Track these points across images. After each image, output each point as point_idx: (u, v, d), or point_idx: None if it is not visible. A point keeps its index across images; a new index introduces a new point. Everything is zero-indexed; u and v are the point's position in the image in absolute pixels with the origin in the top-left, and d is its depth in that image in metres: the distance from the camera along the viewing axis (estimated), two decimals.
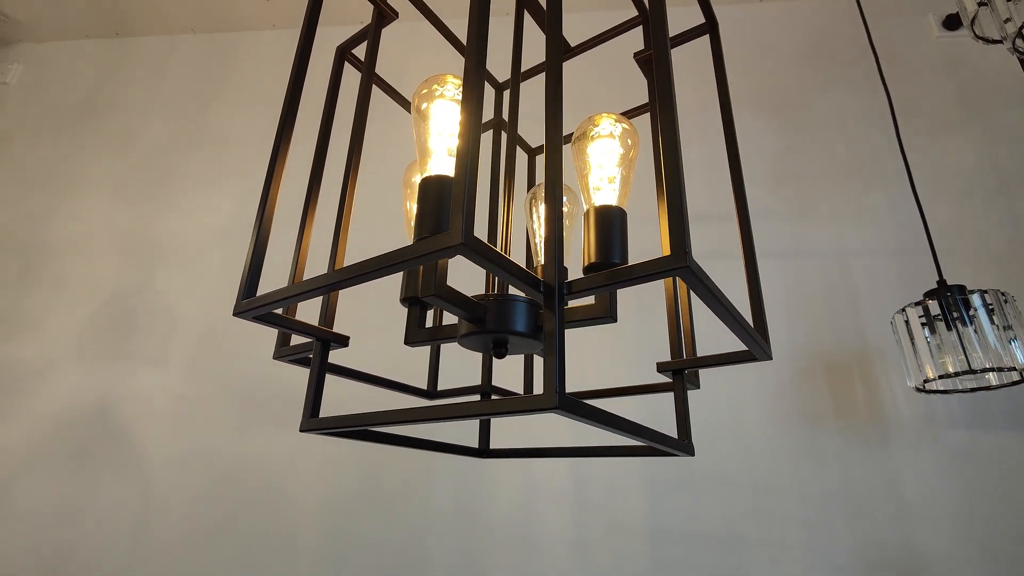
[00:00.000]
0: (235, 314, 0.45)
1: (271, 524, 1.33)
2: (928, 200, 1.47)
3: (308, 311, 0.60)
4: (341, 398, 1.14)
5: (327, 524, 1.31)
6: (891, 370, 1.32)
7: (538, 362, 1.22)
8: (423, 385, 0.74)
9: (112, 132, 1.94)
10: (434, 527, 1.28)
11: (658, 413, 1.29)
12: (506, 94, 0.87)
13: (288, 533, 1.31)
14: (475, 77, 0.36)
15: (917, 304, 1.04)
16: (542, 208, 0.75)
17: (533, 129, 1.08)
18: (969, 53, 1.66)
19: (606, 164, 0.59)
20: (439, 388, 0.78)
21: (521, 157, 0.97)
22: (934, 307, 1.01)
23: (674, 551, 1.21)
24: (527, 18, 0.78)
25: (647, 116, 0.79)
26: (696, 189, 1.49)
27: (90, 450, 1.45)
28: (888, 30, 1.74)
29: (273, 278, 0.62)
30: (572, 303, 0.56)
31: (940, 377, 0.99)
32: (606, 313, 0.51)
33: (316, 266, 0.63)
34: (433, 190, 0.49)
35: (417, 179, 0.62)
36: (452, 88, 0.55)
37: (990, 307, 0.97)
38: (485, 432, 0.72)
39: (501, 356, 0.56)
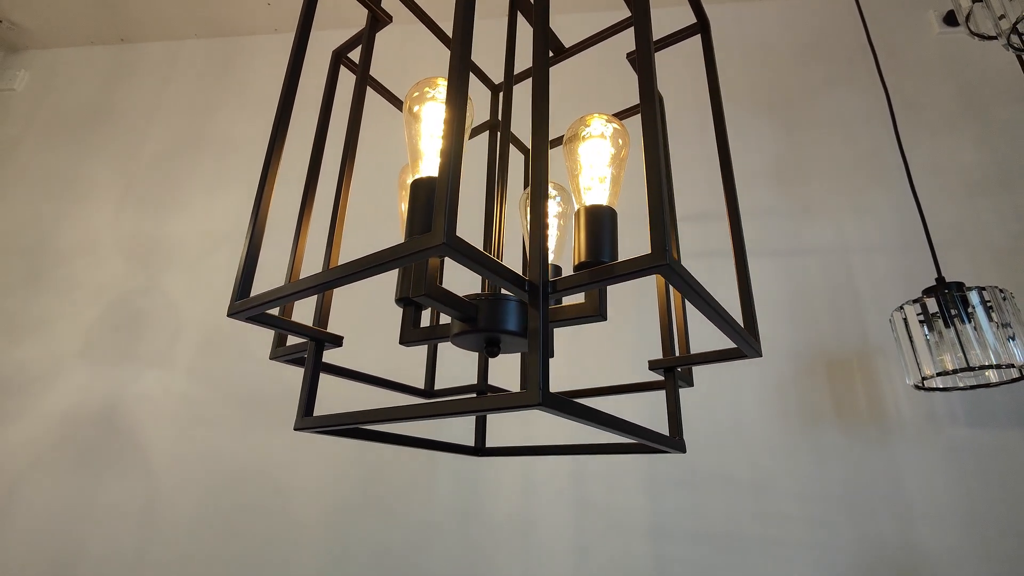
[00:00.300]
0: (229, 315, 0.46)
1: (273, 524, 1.34)
2: (930, 197, 1.46)
3: (308, 312, 0.61)
4: (342, 399, 1.15)
5: (329, 524, 1.32)
6: (892, 368, 1.31)
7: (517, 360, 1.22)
8: (423, 385, 0.75)
9: (118, 137, 1.96)
10: (435, 527, 1.29)
11: (661, 411, 1.29)
12: (502, 95, 0.87)
13: (290, 533, 1.33)
14: (459, 79, 0.36)
15: (915, 302, 1.04)
16: None
17: (529, 129, 1.08)
18: (970, 49, 1.66)
19: (597, 164, 0.59)
20: (437, 387, 0.79)
21: (518, 158, 0.98)
22: (932, 305, 1.01)
23: (675, 550, 1.21)
24: (521, 20, 0.79)
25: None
26: (696, 188, 1.49)
27: (97, 450, 1.47)
28: (889, 27, 1.74)
29: (273, 280, 0.63)
30: (567, 301, 0.56)
31: (939, 375, 0.98)
32: (596, 312, 0.52)
33: (314, 267, 0.64)
34: (423, 191, 0.50)
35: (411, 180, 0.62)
36: (443, 91, 0.56)
37: (988, 304, 0.97)
38: (481, 431, 0.73)
39: (493, 355, 0.57)
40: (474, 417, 0.75)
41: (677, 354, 0.61)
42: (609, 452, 0.60)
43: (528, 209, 0.74)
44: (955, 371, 0.96)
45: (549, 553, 1.24)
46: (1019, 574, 1.12)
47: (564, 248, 0.70)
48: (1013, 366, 0.94)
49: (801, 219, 1.52)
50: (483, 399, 0.37)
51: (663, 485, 1.27)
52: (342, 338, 0.55)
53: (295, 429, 0.49)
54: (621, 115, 0.75)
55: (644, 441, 0.51)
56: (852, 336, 1.36)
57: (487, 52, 1.10)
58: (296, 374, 1.38)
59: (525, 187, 0.83)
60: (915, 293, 1.26)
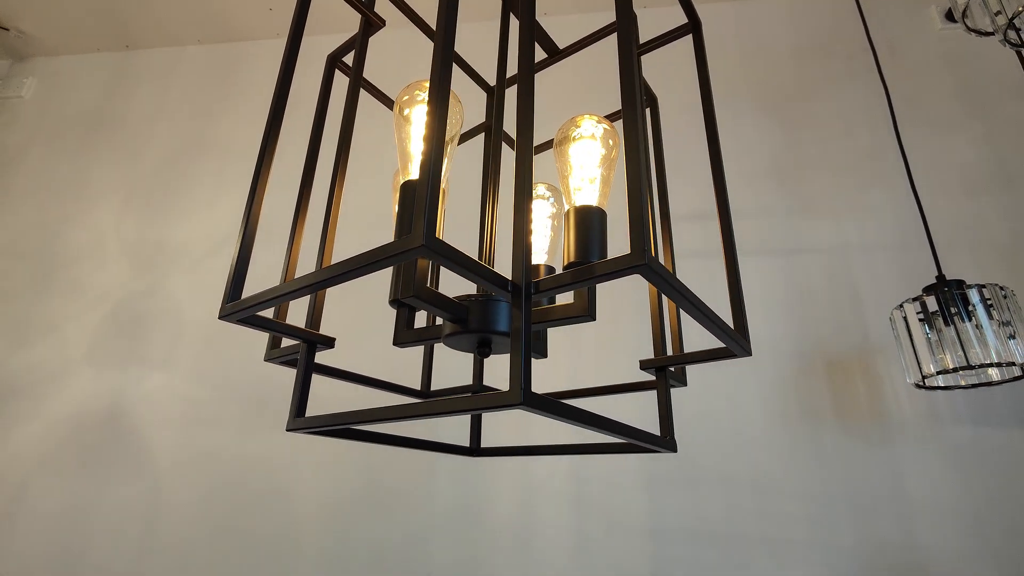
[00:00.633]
0: (220, 317, 0.46)
1: (274, 525, 1.35)
2: (931, 194, 1.45)
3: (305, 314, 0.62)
4: (342, 401, 1.16)
5: (329, 525, 1.33)
6: (893, 366, 1.31)
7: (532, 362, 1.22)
8: (419, 386, 0.75)
9: (122, 142, 1.99)
10: (435, 527, 1.29)
11: (673, 409, 1.29)
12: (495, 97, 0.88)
13: (291, 534, 1.34)
14: (441, 82, 0.37)
15: (915, 300, 1.03)
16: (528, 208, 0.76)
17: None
18: (973, 45, 1.64)
19: (587, 165, 0.60)
20: (436, 388, 0.80)
21: (512, 158, 0.98)
22: (932, 303, 1.01)
23: (675, 550, 1.20)
24: (516, 21, 0.79)
25: (652, 117, 0.80)
26: (697, 187, 1.49)
27: (102, 451, 1.49)
28: (890, 23, 1.73)
29: (272, 284, 0.64)
30: (560, 301, 0.57)
31: (939, 373, 0.98)
32: (585, 312, 0.52)
33: (309, 270, 0.64)
34: (411, 194, 0.50)
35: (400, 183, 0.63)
36: None
37: (988, 302, 0.96)
38: (476, 431, 0.73)
39: (485, 355, 0.57)
40: (469, 418, 0.76)
41: (670, 353, 0.61)
42: (601, 452, 0.60)
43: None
44: (955, 369, 0.95)
45: (548, 553, 1.24)
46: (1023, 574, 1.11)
47: (558, 249, 0.71)
48: (1014, 364, 0.94)
49: (801, 218, 1.51)
50: (465, 399, 0.37)
51: (663, 485, 1.27)
52: (334, 340, 0.56)
53: (287, 430, 0.50)
54: (613, 116, 0.75)
55: (634, 441, 0.51)
56: (853, 335, 1.35)
57: (485, 54, 1.11)
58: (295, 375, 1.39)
59: None
60: (916, 291, 1.25)
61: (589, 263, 0.52)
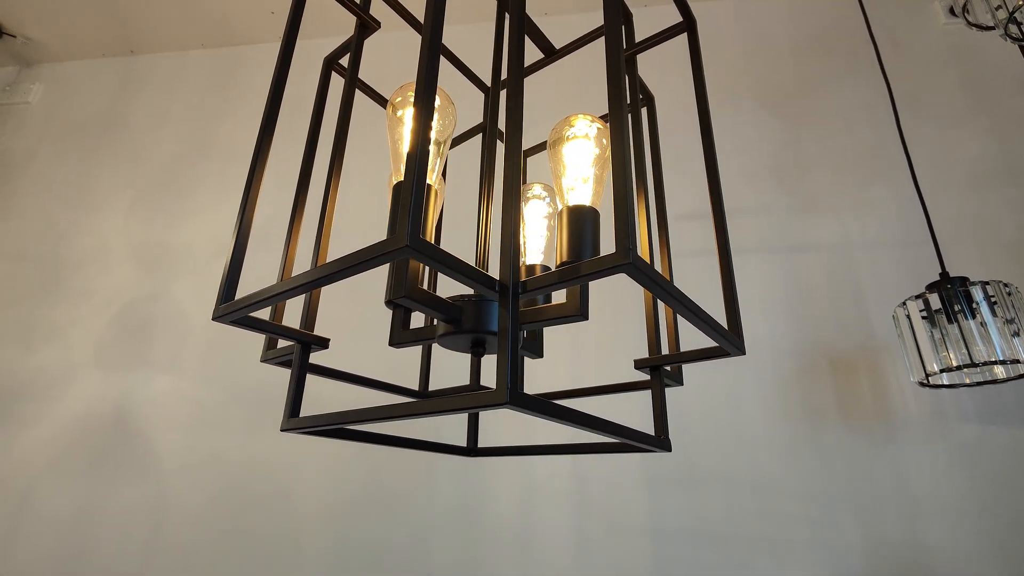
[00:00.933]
0: (214, 318, 0.47)
1: (278, 526, 1.36)
2: (936, 190, 1.44)
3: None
4: (343, 403, 1.16)
5: (331, 525, 1.34)
6: (898, 364, 1.29)
7: (530, 362, 1.22)
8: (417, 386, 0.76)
9: (127, 146, 2.01)
10: (436, 527, 1.30)
11: (671, 409, 1.29)
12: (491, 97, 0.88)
13: (294, 535, 1.34)
14: (428, 78, 0.37)
15: (918, 297, 1.03)
16: (526, 209, 0.76)
17: (527, 130, 1.09)
18: (976, 40, 1.63)
19: (580, 164, 0.60)
20: (433, 388, 0.80)
21: None
22: (935, 300, 1.00)
23: (675, 550, 1.20)
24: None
25: (649, 116, 0.80)
26: (699, 186, 1.48)
27: (109, 453, 1.50)
28: (893, 18, 1.71)
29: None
30: (555, 301, 0.57)
31: (942, 371, 0.97)
32: (577, 311, 0.52)
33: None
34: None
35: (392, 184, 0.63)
36: None
37: (992, 299, 0.95)
38: (473, 430, 0.74)
39: (479, 355, 0.57)
40: (467, 417, 0.76)
41: (666, 352, 0.61)
42: (596, 452, 0.60)
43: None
44: (959, 367, 0.94)
45: (548, 553, 1.24)
46: None
47: (553, 248, 0.71)
48: (1019, 362, 0.93)
49: (803, 215, 1.50)
50: (452, 399, 0.37)
51: (663, 485, 1.26)
52: (328, 340, 0.56)
53: (281, 430, 0.50)
54: (605, 117, 0.75)
55: (627, 441, 0.51)
56: (857, 333, 1.34)
57: (484, 55, 1.11)
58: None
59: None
60: (921, 288, 1.24)
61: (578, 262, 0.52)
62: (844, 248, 1.44)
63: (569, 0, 1.88)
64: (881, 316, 1.35)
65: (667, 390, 0.61)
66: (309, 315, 0.57)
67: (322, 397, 1.32)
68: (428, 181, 0.54)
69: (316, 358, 0.76)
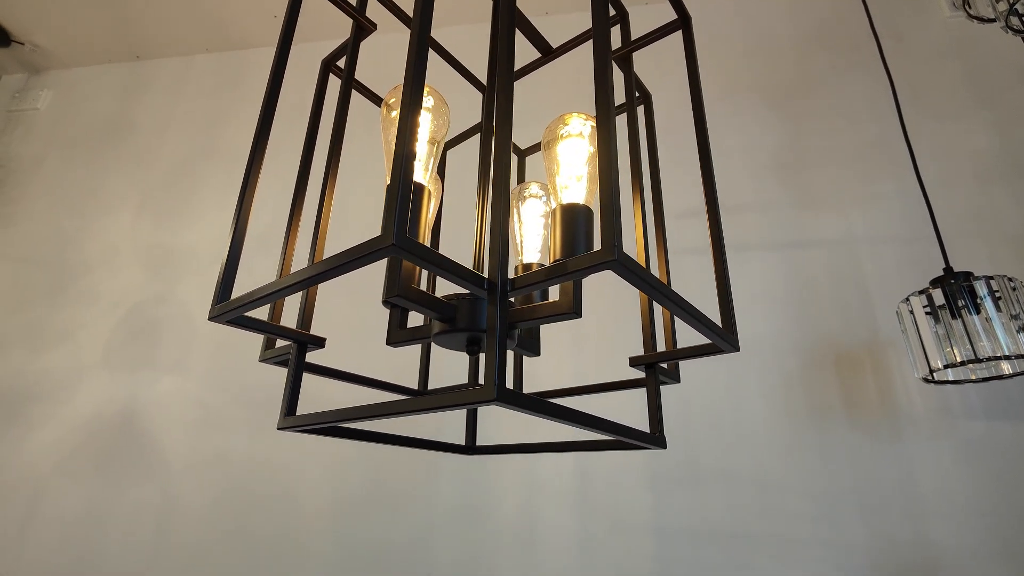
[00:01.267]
0: (210, 318, 0.47)
1: (282, 527, 1.37)
2: (942, 185, 1.43)
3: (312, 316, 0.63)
4: (351, 404, 1.17)
5: (335, 526, 1.35)
6: (903, 361, 1.28)
7: (533, 360, 1.22)
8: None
9: (134, 151, 2.03)
10: (439, 527, 1.30)
11: (666, 408, 1.28)
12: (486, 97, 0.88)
13: (298, 535, 1.35)
14: (414, 81, 0.37)
15: (921, 293, 1.02)
16: (523, 207, 0.76)
17: (526, 130, 1.09)
18: (981, 32, 1.61)
19: (574, 162, 0.60)
20: (433, 388, 0.80)
21: (511, 160, 0.98)
22: (939, 296, 0.99)
23: (679, 548, 1.20)
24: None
25: (646, 114, 0.80)
26: (698, 183, 1.48)
27: (117, 454, 1.52)
28: (896, 10, 1.70)
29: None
30: (551, 300, 0.57)
31: (946, 367, 0.96)
32: (570, 309, 0.52)
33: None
34: None
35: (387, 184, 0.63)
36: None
37: (997, 294, 0.94)
38: (472, 429, 0.74)
39: (474, 353, 0.58)
40: (466, 416, 0.76)
41: (663, 349, 0.61)
42: (593, 449, 0.60)
43: (514, 209, 0.75)
44: (963, 363, 0.94)
45: (551, 552, 1.24)
46: None
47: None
48: (1023, 356, 0.92)
49: (806, 210, 1.49)
50: (440, 396, 0.38)
51: (667, 483, 1.26)
52: (324, 340, 0.56)
53: (278, 428, 0.51)
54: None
55: (621, 438, 0.51)
56: (861, 329, 1.34)
57: (482, 55, 1.12)
58: (306, 378, 1.41)
59: (517, 185, 0.84)
60: (926, 284, 1.23)
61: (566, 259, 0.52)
62: (848, 244, 1.43)
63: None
64: (885, 312, 1.34)
65: (671, 388, 0.61)
66: (305, 315, 0.57)
67: (324, 398, 1.33)
68: (421, 181, 0.54)
69: (320, 358, 0.76)
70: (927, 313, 1.00)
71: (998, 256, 1.35)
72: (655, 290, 0.38)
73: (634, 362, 0.59)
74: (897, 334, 1.30)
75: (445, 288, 0.79)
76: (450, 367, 1.29)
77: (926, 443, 1.21)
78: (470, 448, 0.71)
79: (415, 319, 0.80)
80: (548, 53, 0.87)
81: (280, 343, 0.62)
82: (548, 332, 1.39)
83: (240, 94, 2.06)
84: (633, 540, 1.22)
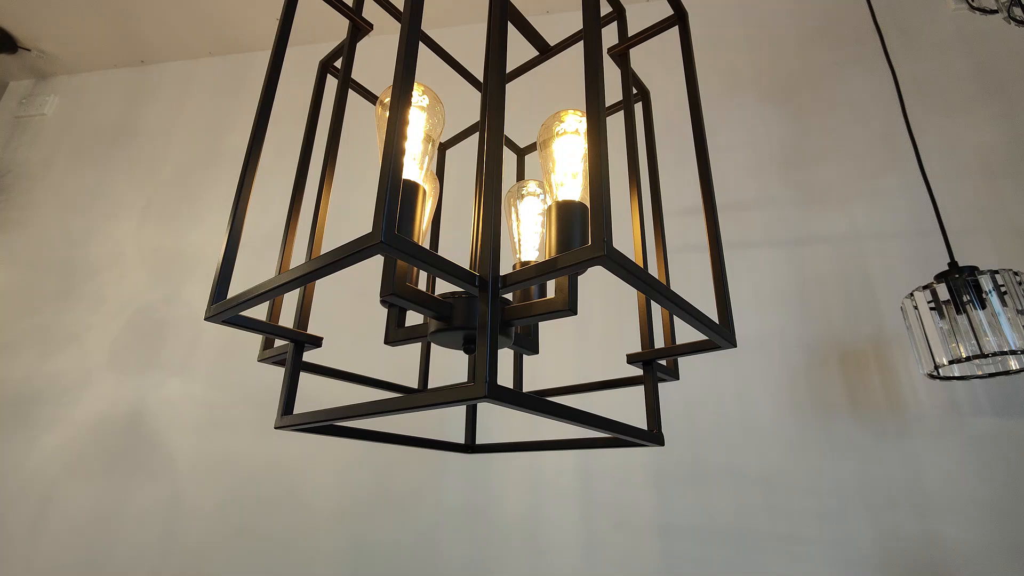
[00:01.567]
0: (206, 318, 0.48)
1: (288, 527, 1.37)
2: (947, 179, 1.41)
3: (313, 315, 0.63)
4: (348, 403, 1.18)
5: (341, 525, 1.35)
6: (910, 357, 1.27)
7: (534, 358, 1.22)
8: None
9: (140, 154, 2.05)
10: (445, 527, 1.30)
11: (669, 405, 1.28)
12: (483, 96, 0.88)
13: (305, 536, 1.36)
14: (403, 81, 0.37)
15: (925, 288, 1.01)
16: (521, 205, 0.76)
17: (525, 128, 1.09)
18: (987, 25, 1.59)
19: (570, 160, 0.60)
20: (432, 387, 0.80)
21: (511, 158, 0.98)
22: (943, 291, 0.98)
23: (684, 547, 1.19)
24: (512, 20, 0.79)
25: (644, 110, 0.79)
26: (694, 181, 1.47)
27: (124, 455, 1.53)
28: (901, 4, 1.68)
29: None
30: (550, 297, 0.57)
31: (952, 362, 0.95)
32: (566, 306, 0.52)
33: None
34: None
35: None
36: (414, 94, 0.57)
37: (1002, 288, 0.93)
38: (471, 427, 0.74)
39: (470, 351, 0.58)
40: (465, 415, 0.77)
41: (661, 347, 0.61)
42: (592, 447, 0.60)
43: (512, 207, 0.75)
44: (968, 358, 0.92)
45: (557, 551, 1.24)
46: None
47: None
48: None
49: (811, 206, 1.48)
50: (433, 394, 0.38)
51: (672, 481, 1.25)
52: (321, 339, 0.57)
53: (275, 427, 0.51)
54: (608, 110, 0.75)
55: (619, 435, 0.51)
56: (867, 325, 1.32)
57: (480, 55, 1.12)
58: (309, 378, 1.42)
59: (514, 184, 0.84)
60: (931, 279, 1.22)
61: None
62: (853, 239, 1.42)
63: None
64: (891, 308, 1.32)
65: (676, 385, 0.61)
66: (302, 315, 0.57)
67: (329, 398, 1.34)
68: (415, 179, 0.54)
69: (326, 358, 0.77)
70: (931, 308, 0.99)
71: (1004, 250, 1.33)
72: (647, 286, 0.38)
73: (631, 359, 0.59)
74: (902, 330, 1.29)
75: (445, 288, 0.79)
76: (452, 367, 1.30)
77: (933, 440, 1.20)
78: (470, 447, 0.71)
79: (415, 319, 0.80)
80: (545, 51, 0.87)
81: (278, 343, 0.62)
82: (551, 331, 1.40)
83: (245, 97, 2.07)
84: (639, 538, 1.22)
